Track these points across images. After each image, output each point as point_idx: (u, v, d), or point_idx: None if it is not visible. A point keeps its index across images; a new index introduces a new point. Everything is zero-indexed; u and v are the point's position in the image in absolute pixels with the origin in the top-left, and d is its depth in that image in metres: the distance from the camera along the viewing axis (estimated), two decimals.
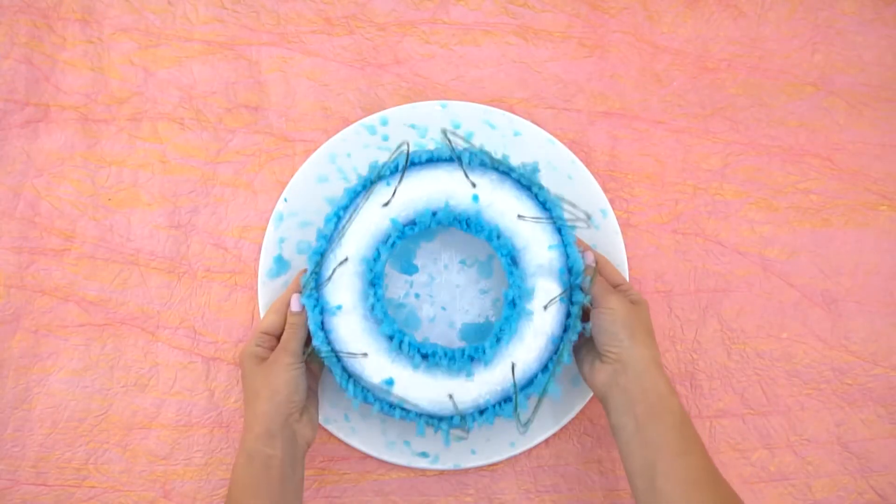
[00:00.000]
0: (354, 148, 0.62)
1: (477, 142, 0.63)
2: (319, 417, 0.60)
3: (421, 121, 0.63)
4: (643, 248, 0.66)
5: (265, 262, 0.61)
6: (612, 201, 0.65)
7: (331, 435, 0.62)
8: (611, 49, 0.68)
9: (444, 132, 0.53)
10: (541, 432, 0.61)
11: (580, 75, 0.67)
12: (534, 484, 0.62)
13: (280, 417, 0.53)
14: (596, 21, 0.68)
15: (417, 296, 0.63)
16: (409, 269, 0.64)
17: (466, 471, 0.62)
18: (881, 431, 0.64)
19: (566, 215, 0.58)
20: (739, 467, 0.63)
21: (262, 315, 0.60)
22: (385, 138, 0.63)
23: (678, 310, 0.65)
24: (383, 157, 0.59)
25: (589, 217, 0.56)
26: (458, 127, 0.63)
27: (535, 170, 0.58)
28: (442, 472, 0.63)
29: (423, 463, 0.61)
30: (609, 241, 0.62)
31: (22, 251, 0.63)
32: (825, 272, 0.66)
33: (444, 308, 0.63)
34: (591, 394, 0.61)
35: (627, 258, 0.63)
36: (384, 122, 0.63)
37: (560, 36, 0.68)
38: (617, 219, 0.63)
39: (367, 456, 0.62)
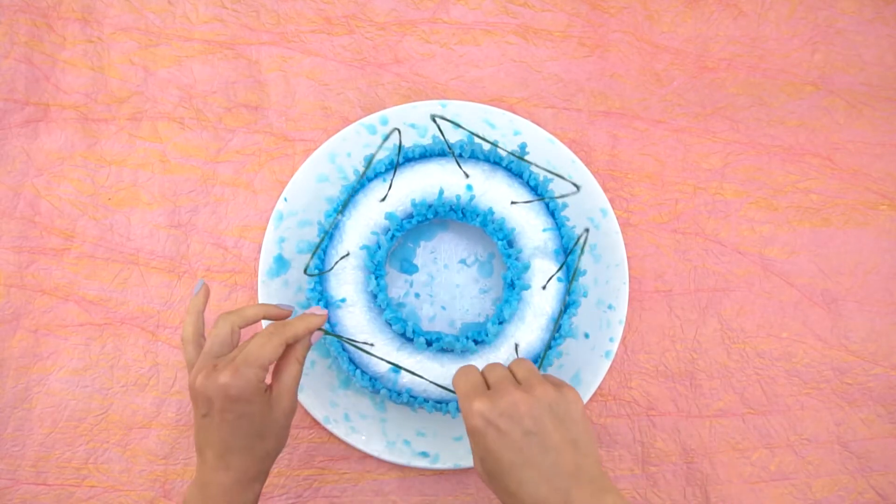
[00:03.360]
0: (354, 147, 0.62)
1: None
2: (319, 416, 0.60)
3: (421, 120, 0.63)
4: (643, 248, 0.66)
5: (265, 262, 0.61)
6: (612, 201, 0.65)
7: (331, 435, 0.62)
8: (611, 49, 0.68)
9: (434, 118, 0.53)
10: None
11: (580, 75, 0.67)
12: None
13: None
14: (596, 20, 0.68)
15: (417, 295, 0.63)
16: (409, 268, 0.64)
17: (466, 470, 0.62)
18: (881, 431, 0.64)
19: (557, 192, 0.60)
20: (739, 467, 0.63)
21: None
22: (385, 138, 0.62)
23: (678, 309, 0.65)
24: (381, 155, 0.61)
25: (578, 187, 0.57)
26: (458, 127, 0.63)
27: (524, 150, 0.58)
28: (442, 472, 0.62)
29: (423, 462, 0.61)
30: (609, 241, 0.62)
31: (22, 251, 0.63)
32: (825, 272, 0.66)
33: (444, 307, 0.63)
34: (591, 393, 0.61)
35: (627, 258, 0.63)
36: (384, 122, 0.63)
37: (560, 35, 0.68)
38: (617, 218, 0.63)
39: (366, 455, 0.62)
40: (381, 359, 0.54)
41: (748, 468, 0.63)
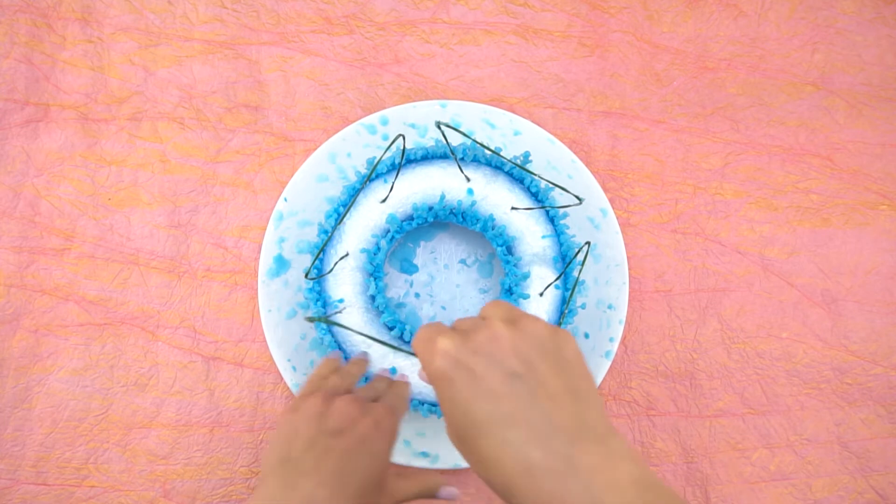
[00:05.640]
0: (354, 147, 0.62)
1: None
2: None
3: (421, 120, 0.62)
4: (643, 248, 0.65)
5: (265, 262, 0.61)
6: (612, 201, 0.64)
7: None
8: (611, 49, 0.68)
9: (438, 124, 0.53)
10: None
11: (580, 75, 0.67)
12: None
13: None
14: (596, 21, 0.68)
15: (417, 295, 0.63)
16: (409, 268, 0.63)
17: (467, 470, 0.62)
18: (881, 431, 0.64)
19: (559, 202, 0.60)
20: (739, 467, 0.63)
21: (262, 315, 0.60)
22: (385, 138, 0.62)
23: (678, 310, 0.65)
24: (383, 156, 0.60)
25: (580, 200, 0.57)
26: (458, 126, 0.62)
27: (527, 159, 0.58)
28: (442, 471, 0.62)
29: (422, 462, 0.60)
30: (609, 240, 0.62)
31: (22, 251, 0.63)
32: (825, 272, 0.66)
33: (444, 307, 0.63)
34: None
35: (627, 258, 0.63)
36: (384, 122, 0.62)
37: (560, 35, 0.67)
38: (617, 218, 0.62)
39: None
40: (377, 340, 0.52)
41: (748, 468, 0.63)
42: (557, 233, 0.59)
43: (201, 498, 0.61)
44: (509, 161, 0.58)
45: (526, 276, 0.57)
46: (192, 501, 0.61)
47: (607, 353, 0.61)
